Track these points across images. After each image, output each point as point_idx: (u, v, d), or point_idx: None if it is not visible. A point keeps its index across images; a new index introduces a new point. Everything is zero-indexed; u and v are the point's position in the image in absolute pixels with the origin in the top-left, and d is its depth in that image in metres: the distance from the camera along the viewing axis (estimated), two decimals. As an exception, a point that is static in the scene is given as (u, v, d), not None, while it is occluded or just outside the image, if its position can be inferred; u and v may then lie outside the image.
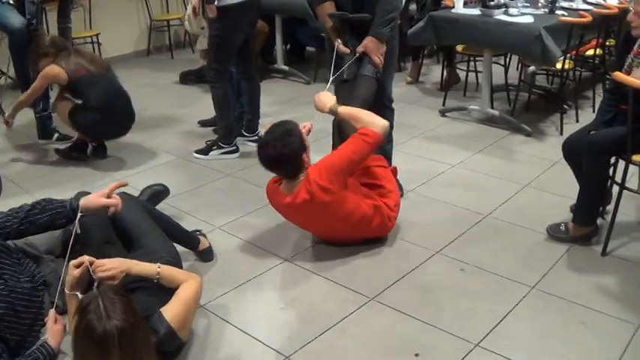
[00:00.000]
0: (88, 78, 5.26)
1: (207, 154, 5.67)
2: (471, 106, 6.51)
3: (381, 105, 4.47)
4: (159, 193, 4.45)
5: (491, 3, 6.05)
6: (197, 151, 5.72)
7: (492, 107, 6.48)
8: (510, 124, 6.19)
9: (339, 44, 4.32)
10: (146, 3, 9.63)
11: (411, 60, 7.97)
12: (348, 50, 4.29)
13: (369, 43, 4.23)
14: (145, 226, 3.58)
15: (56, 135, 6.16)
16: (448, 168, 5.24)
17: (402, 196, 4.46)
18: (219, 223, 4.45)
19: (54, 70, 5.21)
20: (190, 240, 3.91)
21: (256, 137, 5.83)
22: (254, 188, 4.89)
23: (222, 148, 5.68)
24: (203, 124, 6.44)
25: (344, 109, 3.94)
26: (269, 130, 3.75)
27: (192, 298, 3.05)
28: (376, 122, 3.80)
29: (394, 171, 4.34)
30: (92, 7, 8.54)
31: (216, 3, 5.18)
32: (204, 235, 4.08)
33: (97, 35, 8.58)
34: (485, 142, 5.80)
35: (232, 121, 5.73)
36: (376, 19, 4.22)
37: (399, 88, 7.36)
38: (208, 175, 5.28)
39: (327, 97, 4.06)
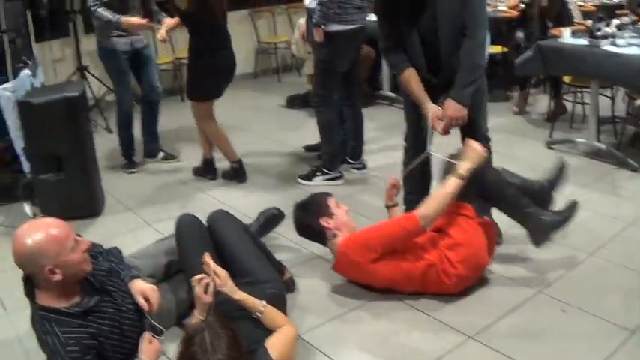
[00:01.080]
0: None
1: (311, 180, 5.67)
2: (578, 139, 6.33)
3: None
4: (274, 217, 4.48)
5: (599, 33, 5.91)
6: (301, 177, 5.73)
7: (599, 140, 6.28)
8: (617, 158, 5.96)
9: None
10: (254, 25, 9.77)
11: (518, 89, 7.81)
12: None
13: (449, 109, 3.96)
14: (249, 251, 3.63)
15: (161, 154, 6.31)
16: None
17: (499, 242, 4.24)
18: (316, 251, 4.41)
19: None
20: (278, 268, 3.90)
21: (361, 165, 5.86)
22: (356, 217, 4.85)
23: (327, 174, 5.67)
24: (308, 149, 6.45)
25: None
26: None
27: (293, 340, 3.07)
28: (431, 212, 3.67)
29: (487, 224, 3.95)
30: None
31: (323, 27, 5.22)
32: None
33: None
34: (590, 176, 5.61)
35: (337, 147, 5.71)
36: (459, 78, 3.94)
37: (505, 119, 7.23)
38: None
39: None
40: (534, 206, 3.92)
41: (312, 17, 5.46)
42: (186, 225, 3.69)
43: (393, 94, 8.16)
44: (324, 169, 5.69)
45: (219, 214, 3.84)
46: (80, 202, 5.08)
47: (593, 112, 6.17)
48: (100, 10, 5.54)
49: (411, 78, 4.06)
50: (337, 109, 5.81)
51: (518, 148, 6.29)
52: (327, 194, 3.95)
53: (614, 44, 5.79)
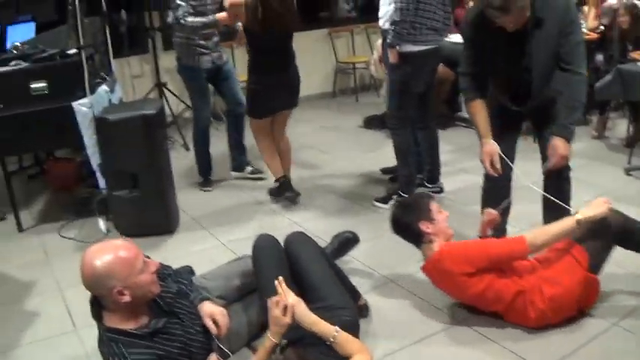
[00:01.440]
0: None
1: (387, 203, 5.55)
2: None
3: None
4: (348, 240, 4.37)
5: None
6: (377, 199, 5.64)
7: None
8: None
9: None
10: (333, 45, 9.72)
11: (597, 113, 7.55)
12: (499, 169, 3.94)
13: (560, 148, 3.78)
14: (325, 276, 3.54)
15: (249, 168, 6.32)
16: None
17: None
18: (389, 276, 4.30)
19: None
20: (353, 293, 3.79)
21: (438, 188, 5.74)
22: None
23: (403, 197, 5.51)
24: (385, 171, 6.34)
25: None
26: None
27: None
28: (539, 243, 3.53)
29: (593, 281, 3.67)
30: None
31: (397, 48, 5.14)
32: None
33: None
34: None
35: (413, 170, 5.61)
36: (564, 116, 3.79)
37: (584, 143, 6.99)
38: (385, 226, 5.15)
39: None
40: None
41: (386, 38, 5.36)
42: (264, 246, 3.63)
43: (471, 117, 7.95)
44: (400, 192, 5.56)
45: (296, 237, 3.77)
46: (154, 219, 5.06)
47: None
48: (189, 19, 5.54)
49: (480, 110, 3.96)
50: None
51: (596, 173, 6.02)
52: (431, 197, 3.85)
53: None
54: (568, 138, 3.79)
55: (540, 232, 3.54)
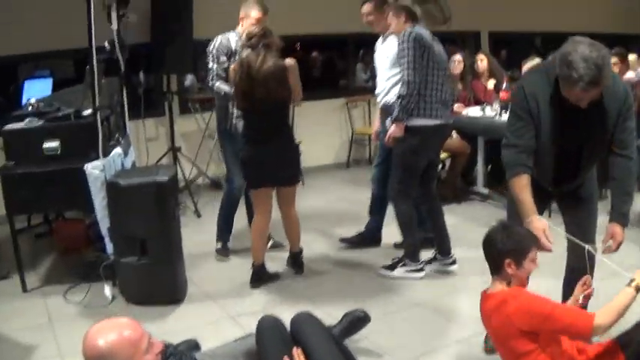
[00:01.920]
0: None
1: (393, 270, 5.56)
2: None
3: None
4: (359, 320, 4.23)
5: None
6: (384, 266, 5.64)
7: None
8: None
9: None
10: (349, 114, 9.70)
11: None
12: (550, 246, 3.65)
13: (619, 235, 3.69)
14: (332, 358, 3.41)
15: (271, 241, 6.11)
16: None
17: None
18: (404, 357, 4.16)
19: None
20: None
21: (451, 260, 5.66)
22: (441, 322, 4.66)
23: (408, 266, 5.55)
24: (344, 240, 6.37)
25: None
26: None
27: None
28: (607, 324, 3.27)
29: None
30: (296, 116, 8.63)
31: (404, 122, 5.15)
32: None
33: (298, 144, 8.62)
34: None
35: (417, 241, 5.60)
36: (622, 203, 3.73)
37: (603, 218, 6.86)
38: (400, 300, 5.05)
39: None
40: None
41: (386, 112, 5.54)
42: (267, 327, 3.53)
43: (486, 191, 7.94)
44: (406, 261, 5.57)
45: (302, 317, 3.67)
46: (161, 288, 4.95)
47: None
48: (217, 83, 5.62)
49: (526, 186, 3.69)
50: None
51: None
52: (535, 242, 3.47)
53: None
54: (625, 224, 3.73)
55: (609, 312, 3.25)
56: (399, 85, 5.26)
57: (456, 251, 5.83)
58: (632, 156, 3.67)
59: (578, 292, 3.60)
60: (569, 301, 3.65)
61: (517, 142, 3.70)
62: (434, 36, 5.42)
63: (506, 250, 3.34)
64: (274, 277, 5.46)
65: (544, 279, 3.93)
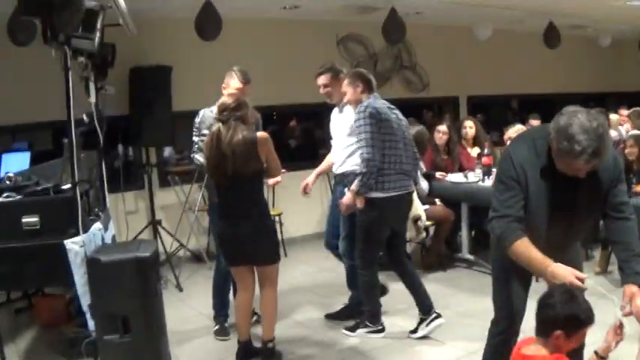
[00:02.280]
0: None
1: (355, 332, 5.75)
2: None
3: None
4: None
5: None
6: (346, 328, 5.84)
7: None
8: None
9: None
10: (329, 183, 9.66)
11: (600, 249, 7.37)
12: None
13: (637, 293, 3.53)
14: None
15: (255, 317, 5.86)
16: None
17: None
18: None
19: None
20: None
21: (436, 314, 5.65)
22: None
23: (369, 327, 5.74)
24: (329, 316, 6.29)
25: None
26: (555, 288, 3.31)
27: None
28: None
29: None
30: (276, 187, 8.57)
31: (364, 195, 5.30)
32: None
33: (279, 215, 8.55)
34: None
35: (378, 307, 5.80)
36: (629, 262, 3.60)
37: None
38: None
39: None
40: None
41: (343, 183, 5.71)
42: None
43: (471, 257, 7.88)
44: (367, 323, 5.75)
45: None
46: (145, 364, 4.77)
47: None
48: (197, 156, 5.57)
49: (529, 244, 3.53)
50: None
51: (599, 310, 5.82)
52: (592, 321, 3.26)
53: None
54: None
55: None
56: (355, 155, 5.42)
57: (447, 316, 5.82)
58: (631, 217, 3.62)
59: (611, 339, 3.46)
60: (601, 347, 3.48)
61: (507, 212, 3.56)
62: (391, 105, 5.55)
63: (561, 322, 3.15)
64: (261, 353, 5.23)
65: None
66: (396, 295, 6.35)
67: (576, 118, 3.22)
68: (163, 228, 7.86)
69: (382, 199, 5.33)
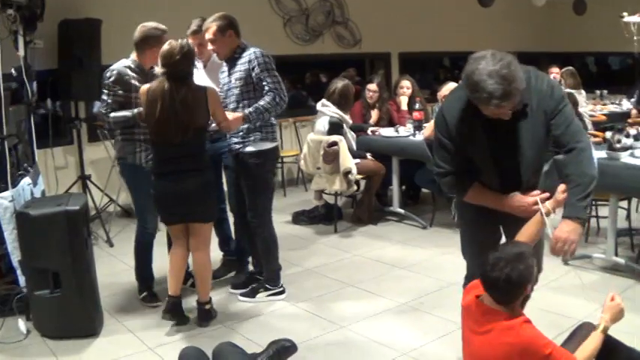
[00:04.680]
0: None
1: (255, 297, 5.51)
2: (595, 254, 6.08)
3: None
4: (286, 349, 4.15)
5: (618, 145, 5.74)
6: (243, 294, 5.55)
7: (616, 254, 6.02)
8: (636, 272, 5.71)
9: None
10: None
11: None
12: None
13: (564, 231, 3.43)
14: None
15: (190, 280, 5.72)
16: (575, 322, 4.70)
17: None
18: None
19: None
20: None
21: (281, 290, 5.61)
22: (367, 344, 4.65)
23: (269, 289, 5.55)
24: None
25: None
26: (502, 249, 3.33)
27: None
28: None
29: None
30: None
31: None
32: None
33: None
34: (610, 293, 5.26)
35: (279, 267, 5.63)
36: (571, 194, 3.41)
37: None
38: (324, 325, 5.00)
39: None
40: None
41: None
42: (189, 357, 3.43)
43: (402, 211, 7.98)
44: (267, 286, 5.54)
45: (224, 347, 3.62)
46: (77, 321, 4.75)
47: (612, 226, 5.96)
48: (112, 114, 5.13)
49: (481, 188, 3.64)
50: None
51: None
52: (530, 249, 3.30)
53: (633, 155, 5.68)
54: (577, 216, 3.41)
55: (585, 358, 3.29)
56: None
57: (375, 270, 5.96)
58: (579, 145, 3.43)
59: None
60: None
61: (450, 169, 3.66)
62: None
63: (528, 277, 3.15)
64: (185, 320, 5.03)
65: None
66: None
67: (480, 64, 3.19)
68: (93, 183, 7.77)
69: (273, 148, 5.34)
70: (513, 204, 3.56)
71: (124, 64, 5.22)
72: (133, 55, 5.27)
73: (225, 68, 5.35)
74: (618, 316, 3.43)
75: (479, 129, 3.49)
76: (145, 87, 4.79)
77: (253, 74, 5.11)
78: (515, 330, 3.14)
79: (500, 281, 3.10)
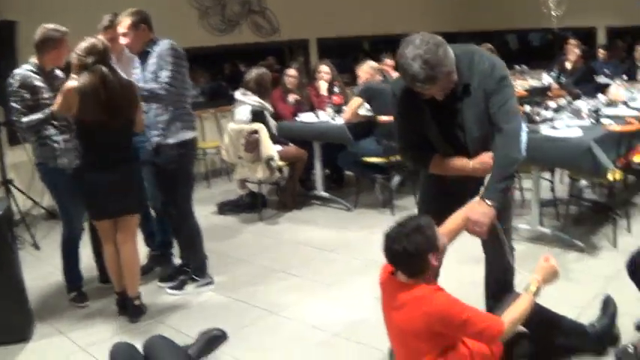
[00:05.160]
0: None
1: (182, 289, 5.56)
2: (521, 225, 6.26)
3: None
4: (216, 338, 4.22)
5: (537, 118, 5.93)
6: (171, 287, 5.59)
7: (541, 224, 6.27)
8: (562, 241, 5.96)
9: None
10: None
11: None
12: None
13: (471, 210, 3.58)
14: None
15: None
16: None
17: None
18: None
19: None
20: None
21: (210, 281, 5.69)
22: (294, 326, 4.79)
23: (197, 281, 5.60)
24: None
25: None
26: (401, 222, 3.44)
27: None
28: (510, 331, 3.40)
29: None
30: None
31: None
32: None
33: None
34: (536, 262, 5.43)
35: (205, 258, 5.69)
36: (490, 177, 3.56)
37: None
38: (251, 312, 5.11)
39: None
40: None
41: None
42: (121, 354, 3.47)
43: (326, 194, 8.10)
44: (194, 277, 5.60)
45: (155, 340, 3.67)
46: (6, 327, 4.74)
47: (535, 197, 6.18)
48: (24, 119, 5.03)
49: (444, 158, 3.76)
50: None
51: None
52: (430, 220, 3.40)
53: (553, 127, 5.87)
54: (487, 197, 3.53)
55: (513, 319, 3.37)
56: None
57: (302, 255, 6.12)
58: (505, 126, 3.52)
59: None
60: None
61: (407, 144, 3.88)
62: None
63: (428, 245, 3.27)
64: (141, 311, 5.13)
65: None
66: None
67: (408, 47, 3.31)
68: (16, 187, 7.69)
69: (194, 138, 5.37)
70: (476, 164, 3.67)
71: (26, 68, 5.16)
72: (33, 58, 5.20)
73: (137, 64, 5.35)
74: (551, 277, 3.55)
75: (425, 107, 3.63)
76: (70, 83, 4.71)
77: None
78: (428, 299, 3.26)
79: (400, 254, 3.25)
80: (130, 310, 5.08)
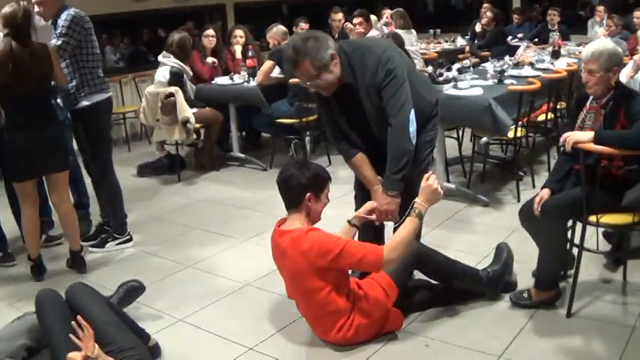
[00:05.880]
0: None
1: (104, 247, 5.63)
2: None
3: None
4: (134, 289, 4.34)
5: (440, 79, 6.14)
6: (92, 245, 5.64)
7: (448, 180, 6.52)
8: (467, 196, 6.22)
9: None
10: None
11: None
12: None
13: (376, 200, 4.00)
14: (111, 321, 3.51)
15: (44, 236, 5.76)
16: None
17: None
18: (179, 317, 4.36)
19: None
20: (143, 336, 3.75)
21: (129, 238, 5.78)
22: (210, 279, 4.96)
23: (117, 238, 5.67)
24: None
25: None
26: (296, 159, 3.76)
27: None
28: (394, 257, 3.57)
29: (397, 314, 3.89)
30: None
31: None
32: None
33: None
34: (443, 216, 5.74)
35: (124, 215, 5.77)
36: (389, 165, 3.91)
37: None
38: (168, 265, 5.25)
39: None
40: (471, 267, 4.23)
41: None
42: (46, 300, 3.57)
43: (242, 155, 8.23)
44: (114, 235, 5.67)
45: (76, 287, 3.75)
46: None
47: (440, 154, 6.37)
48: None
49: (362, 162, 4.07)
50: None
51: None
52: (330, 179, 3.81)
53: (456, 87, 6.07)
54: (388, 187, 3.92)
55: (396, 246, 3.54)
56: None
57: (219, 213, 6.25)
58: (392, 120, 3.81)
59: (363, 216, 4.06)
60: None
61: (334, 134, 4.18)
62: None
63: (308, 183, 3.61)
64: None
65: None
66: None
67: (295, 37, 3.82)
68: None
69: (107, 99, 5.42)
70: (378, 200, 3.99)
71: None
72: None
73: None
74: (432, 197, 3.70)
75: (331, 99, 3.97)
76: None
77: None
78: (303, 238, 3.55)
79: (281, 182, 3.70)
80: (77, 262, 5.21)
